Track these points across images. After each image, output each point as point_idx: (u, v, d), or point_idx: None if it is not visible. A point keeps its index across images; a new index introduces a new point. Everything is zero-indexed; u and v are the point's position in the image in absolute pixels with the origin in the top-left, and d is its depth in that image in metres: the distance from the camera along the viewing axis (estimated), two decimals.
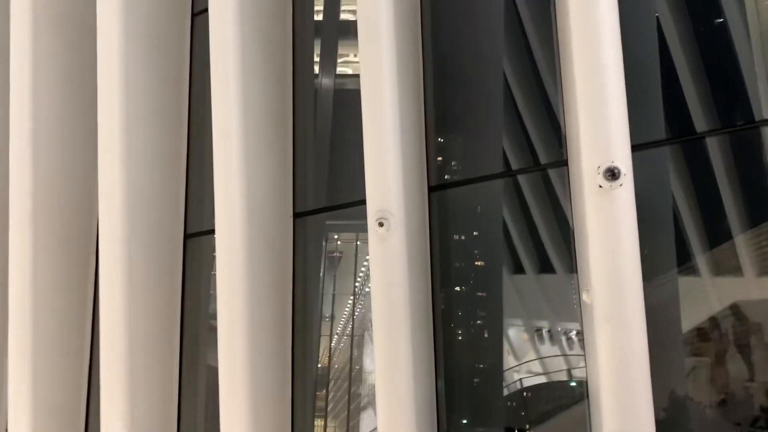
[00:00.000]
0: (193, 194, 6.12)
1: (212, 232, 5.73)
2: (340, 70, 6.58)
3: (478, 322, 5.27)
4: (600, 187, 3.65)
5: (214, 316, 5.59)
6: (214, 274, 5.34)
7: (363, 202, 4.80)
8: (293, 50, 5.89)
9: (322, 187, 5.89)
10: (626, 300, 3.60)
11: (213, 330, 5.79)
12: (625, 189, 3.64)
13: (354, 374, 6.94)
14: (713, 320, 4.42)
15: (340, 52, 6.60)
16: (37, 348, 5.99)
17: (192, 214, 6.12)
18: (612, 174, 3.59)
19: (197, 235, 6.10)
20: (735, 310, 4.41)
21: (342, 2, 6.46)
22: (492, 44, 5.38)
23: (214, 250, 5.55)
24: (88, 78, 6.08)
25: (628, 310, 3.60)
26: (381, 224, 4.26)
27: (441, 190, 5.05)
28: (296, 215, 5.62)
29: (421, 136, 5.01)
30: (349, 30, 6.54)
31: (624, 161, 3.65)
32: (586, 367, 4.34)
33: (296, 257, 5.59)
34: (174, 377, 5.89)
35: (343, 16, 6.53)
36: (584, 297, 3.78)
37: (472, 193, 5.21)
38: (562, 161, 4.66)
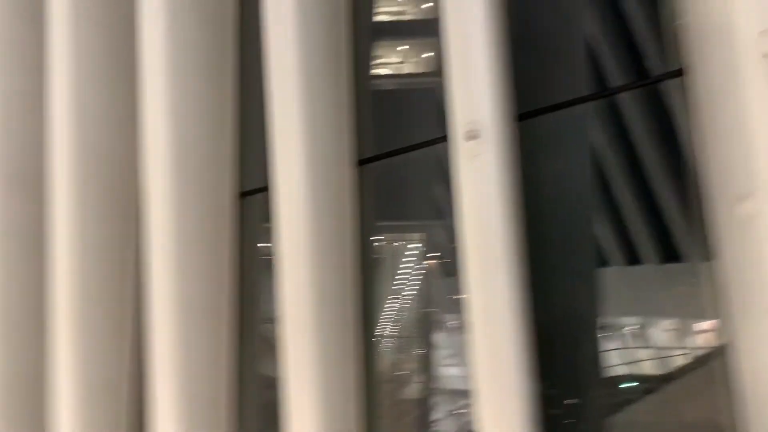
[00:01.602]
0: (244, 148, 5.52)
1: (265, 189, 5.14)
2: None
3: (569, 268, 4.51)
4: (766, 56, 2.85)
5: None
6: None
7: (440, 139, 4.21)
8: None
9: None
10: None
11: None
12: None
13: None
14: None
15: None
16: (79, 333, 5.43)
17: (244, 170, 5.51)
18: None
19: (252, 192, 5.49)
20: None
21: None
22: None
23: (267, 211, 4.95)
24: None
25: None
26: (472, 136, 3.55)
27: (529, 119, 4.32)
28: (359, 162, 4.96)
29: (504, 54, 4.31)
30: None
31: None
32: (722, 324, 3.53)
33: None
34: (227, 363, 5.21)
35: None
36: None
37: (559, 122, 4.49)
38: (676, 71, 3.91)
